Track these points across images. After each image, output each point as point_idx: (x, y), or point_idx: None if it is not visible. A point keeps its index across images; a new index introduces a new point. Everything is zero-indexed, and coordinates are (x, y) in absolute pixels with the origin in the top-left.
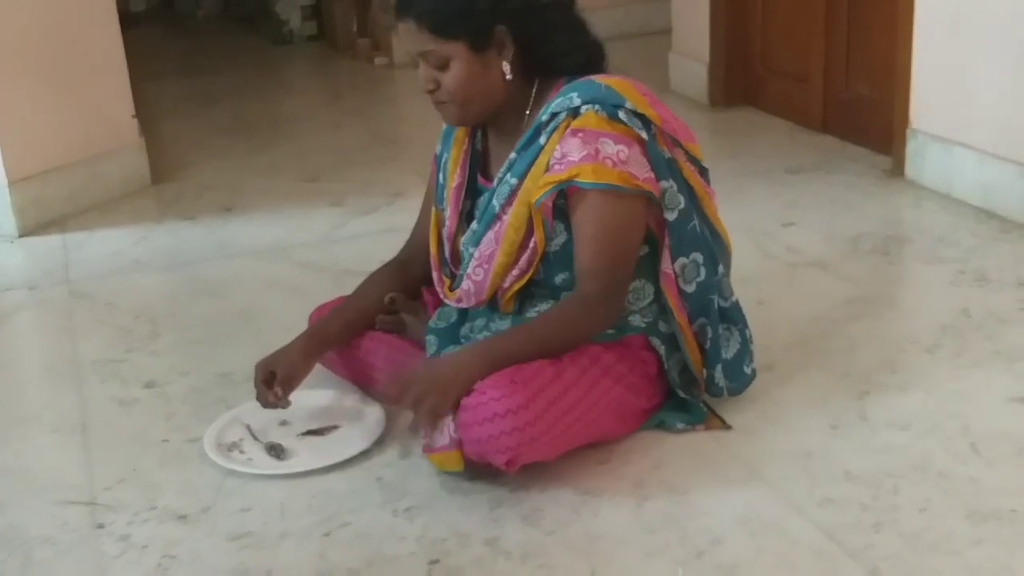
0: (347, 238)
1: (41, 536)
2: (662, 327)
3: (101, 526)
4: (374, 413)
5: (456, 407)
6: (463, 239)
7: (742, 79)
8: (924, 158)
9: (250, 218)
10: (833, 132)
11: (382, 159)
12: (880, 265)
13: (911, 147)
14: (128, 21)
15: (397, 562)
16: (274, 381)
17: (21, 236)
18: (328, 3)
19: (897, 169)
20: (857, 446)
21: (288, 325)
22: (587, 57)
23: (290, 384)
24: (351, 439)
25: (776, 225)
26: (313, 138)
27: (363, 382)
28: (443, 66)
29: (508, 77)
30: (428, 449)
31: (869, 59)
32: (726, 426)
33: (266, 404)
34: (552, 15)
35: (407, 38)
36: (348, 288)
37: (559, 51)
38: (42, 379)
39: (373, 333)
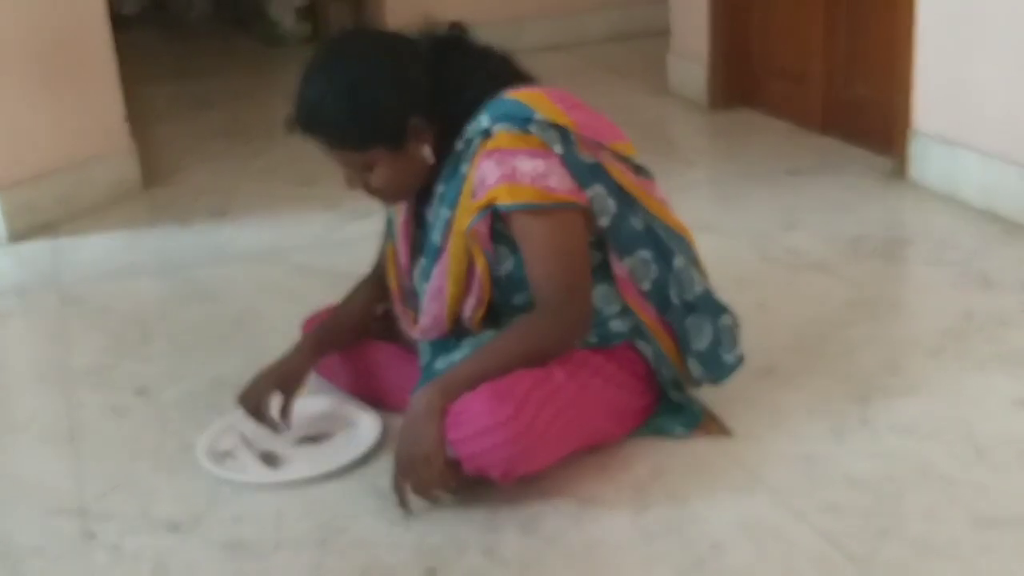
0: (342, 242)
1: (31, 546)
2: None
3: (92, 535)
4: (369, 420)
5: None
6: (416, 275)
7: (741, 80)
8: (926, 160)
9: (244, 222)
10: (833, 133)
11: None
12: (882, 268)
13: (913, 148)
14: (120, 24)
15: (393, 571)
16: (266, 408)
17: (11, 241)
18: (322, 4)
19: (899, 171)
20: (859, 451)
21: (283, 330)
22: (496, 83)
23: (289, 386)
24: (346, 446)
25: (776, 227)
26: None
27: (366, 392)
28: (366, 168)
29: (431, 162)
30: None
31: (869, 59)
32: (726, 431)
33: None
34: (455, 64)
35: (321, 149)
36: (343, 292)
37: (473, 101)
38: (32, 386)
39: (373, 342)
